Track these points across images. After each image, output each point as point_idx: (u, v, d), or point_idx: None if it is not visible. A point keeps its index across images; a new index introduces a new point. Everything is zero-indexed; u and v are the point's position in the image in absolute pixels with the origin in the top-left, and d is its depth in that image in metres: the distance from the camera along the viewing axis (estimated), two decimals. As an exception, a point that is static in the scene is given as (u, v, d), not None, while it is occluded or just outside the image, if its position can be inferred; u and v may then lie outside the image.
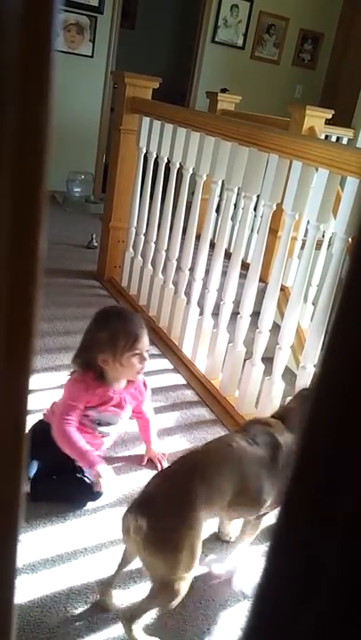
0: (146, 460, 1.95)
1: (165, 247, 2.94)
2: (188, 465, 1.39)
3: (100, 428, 1.80)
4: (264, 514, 1.53)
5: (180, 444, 2.09)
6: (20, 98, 0.20)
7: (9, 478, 0.28)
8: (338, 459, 0.22)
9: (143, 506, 1.27)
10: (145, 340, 1.76)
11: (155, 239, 3.05)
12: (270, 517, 1.58)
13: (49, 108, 0.21)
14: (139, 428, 1.99)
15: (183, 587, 1.27)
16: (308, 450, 0.23)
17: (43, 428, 1.75)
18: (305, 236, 3.42)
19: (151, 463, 1.95)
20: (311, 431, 0.23)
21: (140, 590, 1.45)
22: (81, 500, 1.72)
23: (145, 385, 1.91)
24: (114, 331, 1.70)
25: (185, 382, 2.55)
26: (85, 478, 1.70)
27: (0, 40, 0.19)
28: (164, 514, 1.26)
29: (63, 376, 2.36)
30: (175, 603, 1.29)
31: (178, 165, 2.81)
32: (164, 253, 2.96)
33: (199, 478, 1.32)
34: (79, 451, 1.67)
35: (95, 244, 4.01)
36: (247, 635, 0.26)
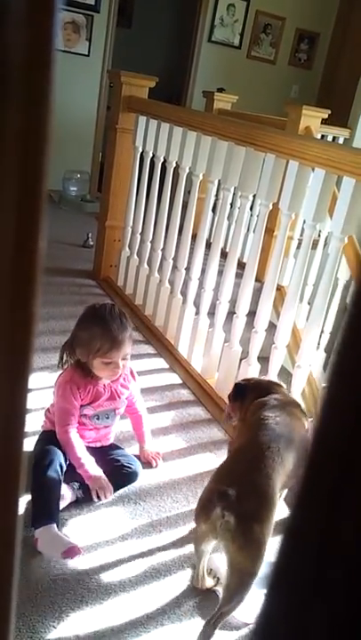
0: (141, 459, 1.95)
1: (161, 246, 2.94)
2: (257, 453, 1.40)
3: (100, 422, 1.82)
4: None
5: (176, 444, 2.09)
6: (23, 97, 0.20)
7: (8, 476, 0.28)
8: (352, 456, 0.22)
9: (227, 501, 1.28)
10: (122, 350, 1.72)
11: (151, 238, 3.05)
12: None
13: (50, 107, 0.21)
14: (132, 427, 1.99)
15: (252, 584, 1.29)
16: (323, 444, 0.23)
17: (48, 437, 1.77)
18: (301, 235, 3.42)
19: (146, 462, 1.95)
20: (327, 425, 0.23)
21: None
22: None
23: (132, 374, 1.91)
24: (92, 333, 1.69)
25: (181, 382, 2.55)
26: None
27: (3, 39, 0.19)
28: (250, 506, 1.29)
29: (54, 376, 2.36)
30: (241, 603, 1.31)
31: (174, 164, 2.81)
32: (160, 252, 2.96)
33: (271, 464, 1.36)
34: (78, 462, 1.69)
35: (91, 243, 4.01)
36: (261, 627, 0.26)
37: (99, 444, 1.85)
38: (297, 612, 0.23)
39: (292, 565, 0.24)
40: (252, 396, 1.66)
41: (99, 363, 1.70)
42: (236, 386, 1.76)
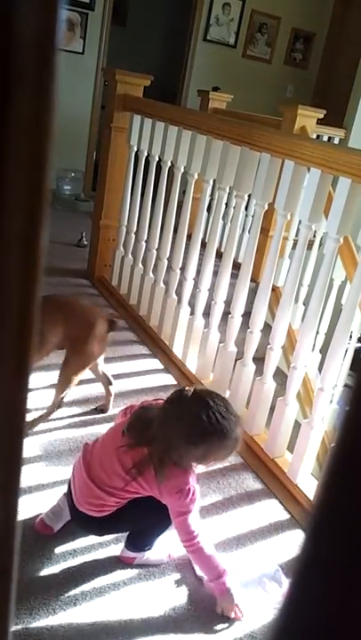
0: None
1: (156, 246, 2.93)
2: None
3: None
4: None
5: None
6: (31, 84, 0.20)
7: (10, 471, 0.28)
8: None
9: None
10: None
11: (145, 238, 3.04)
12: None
13: (55, 98, 0.21)
14: None
15: None
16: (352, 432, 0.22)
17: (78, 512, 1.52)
18: (296, 235, 3.42)
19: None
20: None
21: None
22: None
23: None
24: (209, 446, 1.40)
25: (175, 382, 2.54)
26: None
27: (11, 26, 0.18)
28: None
29: (52, 376, 2.35)
30: None
31: (169, 164, 2.79)
32: (154, 252, 2.95)
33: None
34: (218, 572, 1.45)
35: (85, 243, 3.99)
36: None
37: None
38: (334, 598, 0.23)
39: (324, 552, 0.24)
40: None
41: (196, 465, 1.48)
42: None
